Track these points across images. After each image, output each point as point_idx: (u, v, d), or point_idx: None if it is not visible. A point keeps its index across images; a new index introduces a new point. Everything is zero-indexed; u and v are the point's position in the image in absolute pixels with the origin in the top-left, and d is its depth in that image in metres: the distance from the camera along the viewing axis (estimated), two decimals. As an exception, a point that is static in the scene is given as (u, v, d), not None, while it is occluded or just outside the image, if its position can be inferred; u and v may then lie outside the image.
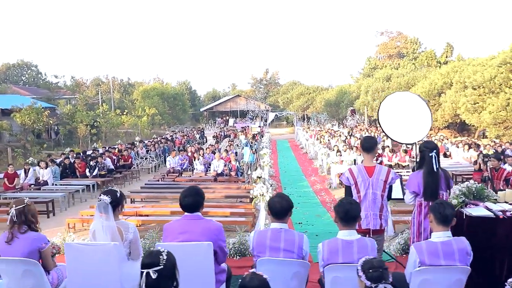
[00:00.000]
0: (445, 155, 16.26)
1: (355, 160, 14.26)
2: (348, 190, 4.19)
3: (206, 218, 3.49)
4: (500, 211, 4.06)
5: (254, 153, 15.47)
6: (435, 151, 4.13)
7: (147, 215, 8.43)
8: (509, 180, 7.92)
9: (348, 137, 22.27)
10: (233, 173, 13.60)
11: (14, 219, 3.56)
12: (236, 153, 16.54)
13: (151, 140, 22.55)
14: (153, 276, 2.27)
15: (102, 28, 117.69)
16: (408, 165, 14.57)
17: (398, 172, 4.32)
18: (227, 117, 50.49)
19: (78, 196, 11.31)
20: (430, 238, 3.37)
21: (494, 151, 12.81)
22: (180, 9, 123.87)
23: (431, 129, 8.33)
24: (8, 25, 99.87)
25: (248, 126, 35.28)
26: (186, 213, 3.45)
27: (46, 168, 12.41)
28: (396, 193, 4.49)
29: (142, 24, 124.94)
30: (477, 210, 4.13)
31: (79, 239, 5.55)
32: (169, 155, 16.35)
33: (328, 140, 21.82)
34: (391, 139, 8.89)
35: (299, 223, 8.12)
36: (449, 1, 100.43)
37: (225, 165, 13.85)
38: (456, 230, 3.43)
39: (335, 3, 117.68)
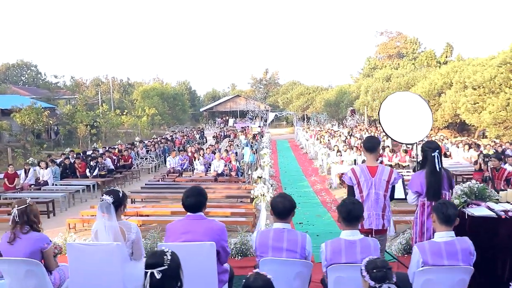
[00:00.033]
0: (445, 155, 16.27)
1: (355, 160, 14.27)
2: (350, 190, 4.19)
3: (208, 218, 3.49)
4: (502, 211, 4.06)
5: (254, 153, 15.47)
6: (437, 151, 4.14)
7: (148, 215, 8.43)
8: (509, 180, 7.91)
9: (348, 137, 22.28)
10: (233, 173, 13.60)
11: (16, 219, 3.55)
12: (236, 153, 16.54)
13: (151, 140, 22.55)
14: (158, 276, 2.26)
15: (102, 28, 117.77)
16: (409, 165, 14.58)
17: (398, 172, 4.32)
18: (227, 117, 50.44)
19: (78, 196, 11.31)
20: (433, 238, 3.37)
21: (494, 151, 12.82)
22: (179, 9, 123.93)
23: (431, 129, 8.31)
24: (8, 25, 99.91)
25: (248, 126, 35.27)
26: (188, 213, 3.44)
27: (46, 168, 12.40)
28: (398, 193, 4.49)
29: (141, 24, 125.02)
30: (479, 210, 4.13)
31: (80, 239, 5.54)
32: (169, 155, 16.35)
33: (328, 140, 21.83)
34: (392, 139, 8.88)
35: (300, 223, 8.12)
36: (448, 1, 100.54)
37: (225, 165, 13.86)
38: (458, 230, 3.43)
39: (335, 3, 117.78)
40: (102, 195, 3.58)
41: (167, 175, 13.94)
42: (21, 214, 3.56)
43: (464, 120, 22.86)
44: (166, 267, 2.29)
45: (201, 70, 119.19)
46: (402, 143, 12.06)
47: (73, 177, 13.36)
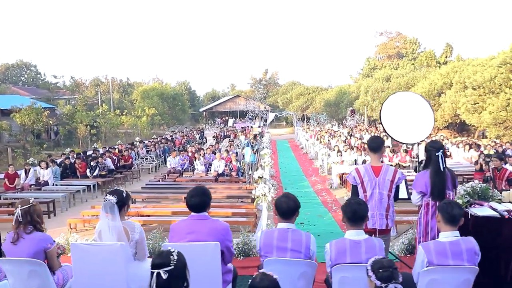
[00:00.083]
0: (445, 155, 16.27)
1: (355, 160, 14.27)
2: (354, 189, 4.19)
3: (213, 218, 3.48)
4: (505, 211, 4.06)
5: (255, 153, 15.47)
6: (441, 150, 4.14)
7: (149, 215, 8.42)
8: (511, 181, 7.92)
9: (348, 137, 22.28)
10: (234, 173, 13.59)
11: (19, 219, 3.54)
12: (236, 153, 16.54)
13: (151, 140, 22.54)
14: (164, 276, 2.26)
15: (101, 28, 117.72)
16: (409, 165, 14.58)
17: (402, 172, 4.34)
18: (227, 118, 50.41)
19: (78, 196, 11.29)
20: (437, 237, 3.37)
21: (495, 151, 12.83)
22: (179, 10, 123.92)
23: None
24: (8, 25, 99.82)
25: (248, 126, 35.26)
26: (192, 213, 3.44)
27: (46, 169, 12.39)
28: (401, 193, 4.49)
29: (141, 24, 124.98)
30: (482, 210, 4.13)
31: (82, 239, 5.53)
32: (169, 156, 16.34)
33: (328, 140, 21.83)
34: (393, 139, 8.89)
35: (301, 223, 8.11)
36: (448, 1, 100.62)
37: (226, 165, 13.85)
38: (462, 230, 3.42)
39: (335, 4, 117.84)
40: (106, 195, 3.57)
41: (168, 175, 13.94)
42: (25, 214, 3.55)
43: (464, 120, 22.88)
44: (173, 267, 2.29)
45: (200, 70, 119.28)
46: (404, 143, 12.06)
47: (73, 177, 13.35)
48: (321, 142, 20.68)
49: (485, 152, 13.44)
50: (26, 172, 12.27)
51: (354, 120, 36.84)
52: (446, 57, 43.95)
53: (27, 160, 14.20)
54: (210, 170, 14.09)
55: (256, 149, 16.12)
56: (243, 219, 7.75)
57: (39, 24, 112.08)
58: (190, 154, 16.16)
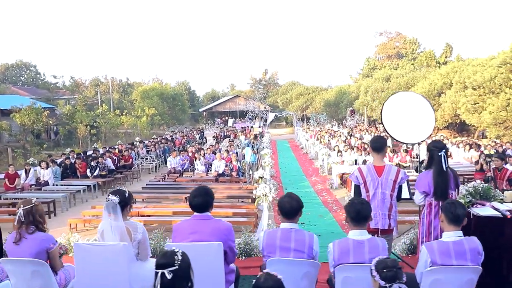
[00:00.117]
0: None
1: (356, 160, 14.27)
2: (357, 189, 4.18)
3: (215, 218, 3.47)
4: (508, 211, 4.07)
5: (255, 153, 15.47)
6: (443, 150, 4.14)
7: (149, 215, 8.41)
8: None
9: (348, 137, 22.28)
10: (234, 173, 13.59)
11: (22, 220, 3.53)
12: (236, 153, 16.53)
13: (151, 141, 22.54)
14: (168, 276, 2.25)
15: (101, 29, 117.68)
16: (409, 165, 14.57)
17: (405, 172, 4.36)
18: (227, 118, 50.40)
19: (79, 196, 11.28)
20: (440, 237, 3.36)
21: (495, 151, 12.83)
22: (179, 10, 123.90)
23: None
24: (7, 25, 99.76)
25: (248, 126, 35.26)
26: (195, 213, 3.43)
27: (47, 169, 12.38)
28: (403, 193, 4.49)
29: (141, 24, 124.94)
30: (484, 210, 4.13)
31: (83, 239, 5.52)
32: (169, 156, 16.34)
33: (328, 140, 21.84)
34: (394, 138, 8.88)
35: (302, 223, 8.10)
36: (448, 1, 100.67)
37: (226, 166, 13.85)
38: (464, 230, 3.42)
39: (334, 4, 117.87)
40: (108, 195, 3.56)
41: (168, 175, 13.94)
42: (27, 214, 3.54)
43: (464, 120, 22.88)
44: (177, 267, 2.29)
45: (200, 70, 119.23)
46: (404, 143, 12.06)
47: (73, 177, 13.34)
48: (321, 142, 20.68)
49: (486, 152, 13.44)
50: (26, 172, 12.27)
51: (354, 120, 36.85)
52: (446, 57, 43.97)
53: (27, 160, 14.19)
54: (211, 170, 14.08)
55: (257, 149, 16.13)
56: (243, 219, 7.75)
57: (38, 24, 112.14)
58: (190, 154, 16.15)
